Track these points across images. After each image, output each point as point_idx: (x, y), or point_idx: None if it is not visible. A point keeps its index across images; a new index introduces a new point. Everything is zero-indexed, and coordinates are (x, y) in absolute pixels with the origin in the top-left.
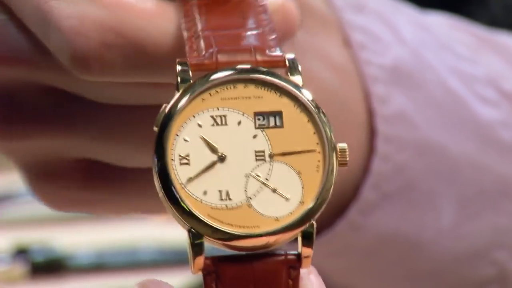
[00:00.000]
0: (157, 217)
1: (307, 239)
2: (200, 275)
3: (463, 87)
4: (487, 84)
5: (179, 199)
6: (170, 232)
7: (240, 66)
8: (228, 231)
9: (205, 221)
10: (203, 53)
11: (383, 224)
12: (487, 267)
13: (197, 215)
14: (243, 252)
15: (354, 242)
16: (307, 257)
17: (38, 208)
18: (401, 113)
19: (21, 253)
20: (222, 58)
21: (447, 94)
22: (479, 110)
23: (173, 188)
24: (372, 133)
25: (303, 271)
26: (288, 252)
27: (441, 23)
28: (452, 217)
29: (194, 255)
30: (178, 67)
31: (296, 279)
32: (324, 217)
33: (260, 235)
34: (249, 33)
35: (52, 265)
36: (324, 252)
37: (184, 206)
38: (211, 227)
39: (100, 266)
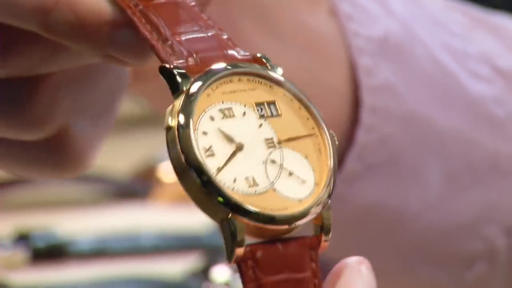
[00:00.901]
0: (159, 203)
1: (327, 222)
2: (202, 262)
3: (455, 63)
4: (480, 61)
5: (219, 189)
6: (172, 218)
7: (229, 63)
8: (270, 213)
9: (245, 207)
10: (185, 57)
11: (367, 195)
12: (475, 242)
13: (238, 202)
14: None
15: (337, 213)
16: (326, 240)
17: (40, 194)
18: (387, 85)
19: (22, 239)
20: (205, 61)
21: (438, 69)
22: (471, 86)
23: (209, 180)
24: (357, 104)
25: (351, 260)
26: (309, 235)
27: (435, 2)
28: (439, 190)
29: (236, 245)
30: (174, 71)
31: (317, 261)
32: None
33: (296, 217)
34: (209, 34)
35: (53, 251)
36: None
37: (225, 195)
38: (252, 212)
39: (101, 251)
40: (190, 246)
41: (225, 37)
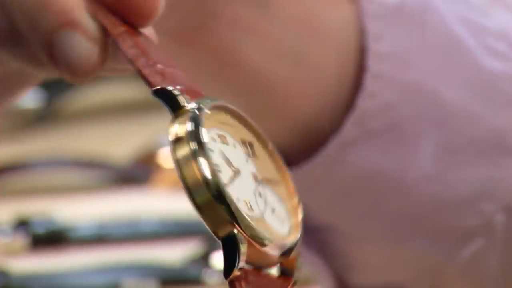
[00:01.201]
0: (159, 189)
1: (298, 272)
2: (202, 248)
3: (471, 37)
4: (498, 38)
5: (229, 199)
6: (172, 204)
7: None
8: (270, 236)
9: (250, 223)
10: (175, 84)
11: (363, 161)
12: (472, 218)
13: (245, 217)
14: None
15: (333, 177)
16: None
17: (40, 180)
18: (396, 52)
19: (22, 225)
20: (189, 92)
21: (451, 41)
22: (486, 62)
23: (221, 193)
24: (361, 70)
25: None
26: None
27: None
28: (438, 162)
29: (238, 261)
30: (174, 91)
31: None
32: (303, 148)
33: (290, 247)
34: (178, 70)
35: (53, 237)
36: (302, 184)
37: (233, 205)
38: (255, 229)
39: (101, 237)
40: (190, 232)
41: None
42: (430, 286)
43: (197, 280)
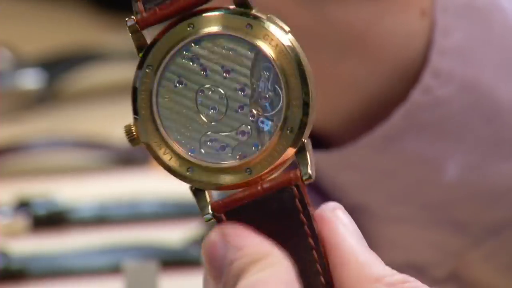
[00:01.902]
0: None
1: None
2: (202, 229)
3: None
4: None
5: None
6: (173, 185)
7: None
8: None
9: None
10: None
11: (407, 151)
12: (503, 209)
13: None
14: None
15: (374, 162)
16: None
17: (40, 161)
18: (460, 47)
19: (23, 206)
20: None
21: None
22: None
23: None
24: (424, 63)
25: (327, 208)
26: None
27: None
28: (480, 155)
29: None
30: None
31: None
32: (351, 127)
33: None
34: None
35: (54, 218)
36: (342, 164)
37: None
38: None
39: (102, 219)
40: (190, 213)
41: None
42: (451, 269)
43: (198, 261)
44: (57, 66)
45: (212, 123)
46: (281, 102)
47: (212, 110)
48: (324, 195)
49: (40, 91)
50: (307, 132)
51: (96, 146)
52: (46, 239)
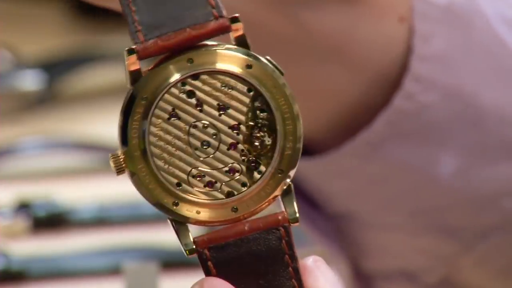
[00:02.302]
0: None
1: None
2: (203, 230)
3: None
4: None
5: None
6: None
7: None
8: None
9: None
10: None
11: (391, 157)
12: (492, 214)
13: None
14: None
15: (359, 168)
16: None
17: (41, 162)
18: (440, 55)
19: (23, 207)
20: None
21: (494, 43)
22: None
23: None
24: (404, 70)
25: (308, 261)
26: None
27: None
28: (466, 161)
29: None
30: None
31: None
32: (334, 135)
33: None
34: None
35: (54, 220)
36: (327, 171)
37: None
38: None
39: (102, 220)
40: None
41: None
42: (443, 275)
43: (198, 263)
44: (57, 67)
45: (203, 157)
46: (276, 144)
47: (203, 146)
48: (311, 203)
49: (40, 93)
50: (293, 174)
51: (96, 148)
52: (46, 240)
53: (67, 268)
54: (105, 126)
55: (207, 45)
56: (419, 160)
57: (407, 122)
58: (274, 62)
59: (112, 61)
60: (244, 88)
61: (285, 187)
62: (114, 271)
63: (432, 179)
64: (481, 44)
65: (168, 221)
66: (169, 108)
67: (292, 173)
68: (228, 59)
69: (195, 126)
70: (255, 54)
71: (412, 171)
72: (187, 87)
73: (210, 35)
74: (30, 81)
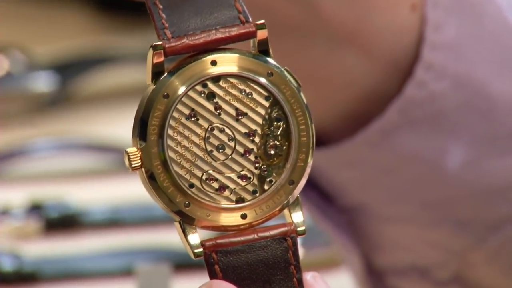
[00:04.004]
0: None
1: None
2: (215, 232)
3: None
4: None
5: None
6: None
7: None
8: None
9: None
10: None
11: (403, 146)
12: (503, 206)
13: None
14: None
15: (371, 158)
16: None
17: (53, 163)
18: (452, 43)
19: (35, 209)
20: None
21: (505, 32)
22: None
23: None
24: (416, 59)
25: (308, 274)
26: None
27: None
28: (476, 151)
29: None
30: None
31: None
32: (346, 128)
33: None
34: None
35: (66, 221)
36: (340, 161)
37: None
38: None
39: (114, 221)
40: None
41: None
42: (455, 271)
43: None
44: (70, 68)
45: (216, 162)
46: (289, 154)
47: (218, 150)
48: (323, 194)
49: (53, 94)
50: (303, 186)
51: (109, 149)
52: (58, 241)
53: (79, 269)
54: (117, 127)
55: (230, 49)
56: (429, 150)
57: (418, 110)
58: (292, 73)
59: (125, 62)
60: (263, 96)
61: (294, 199)
62: (126, 273)
63: (442, 170)
64: (492, 33)
65: (175, 224)
66: (189, 108)
67: (302, 184)
68: (250, 64)
69: (212, 129)
70: (276, 63)
71: (422, 162)
72: (208, 89)
73: (237, 39)
74: (43, 83)
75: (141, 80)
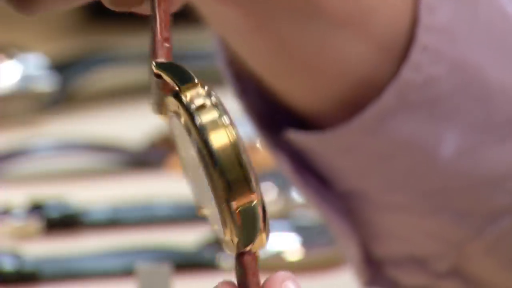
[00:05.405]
0: (173, 172)
1: None
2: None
3: None
4: None
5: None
6: (186, 187)
7: None
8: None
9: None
10: None
11: (400, 131)
12: (501, 196)
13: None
14: None
15: (368, 143)
16: None
17: (54, 163)
18: (446, 26)
19: (36, 209)
20: None
21: (502, 19)
22: None
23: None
24: (411, 41)
25: (276, 278)
26: None
27: None
28: (473, 139)
29: (257, 232)
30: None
31: None
32: (341, 113)
33: None
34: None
35: (67, 221)
36: (337, 147)
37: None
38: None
39: (115, 221)
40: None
41: None
42: (453, 263)
43: (212, 264)
44: (71, 68)
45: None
46: None
47: None
48: (322, 180)
49: (54, 94)
50: None
51: (110, 149)
52: (59, 241)
53: (80, 269)
54: (119, 127)
55: None
56: (425, 137)
57: (415, 94)
58: None
59: (127, 62)
60: None
61: None
62: (127, 273)
63: (438, 158)
64: (487, 19)
65: None
66: None
67: None
68: None
69: None
70: None
71: (418, 148)
72: None
73: None
74: (43, 82)
75: (142, 80)
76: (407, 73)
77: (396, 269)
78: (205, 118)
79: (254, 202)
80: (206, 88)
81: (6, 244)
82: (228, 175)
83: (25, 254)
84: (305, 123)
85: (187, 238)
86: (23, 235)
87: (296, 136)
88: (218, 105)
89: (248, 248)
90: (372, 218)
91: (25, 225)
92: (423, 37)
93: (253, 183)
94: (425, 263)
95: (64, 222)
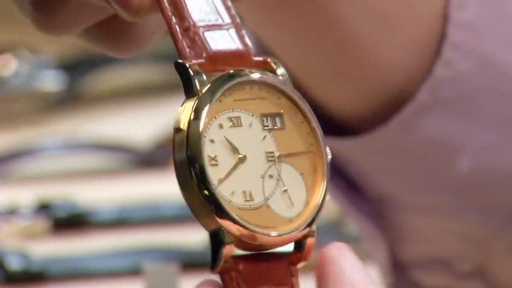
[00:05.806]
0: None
1: (310, 244)
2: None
3: None
4: None
5: (218, 202)
6: None
7: (242, 69)
8: (260, 231)
9: (238, 220)
10: (203, 54)
11: (433, 129)
12: None
13: (232, 215)
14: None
15: (402, 143)
16: (311, 249)
17: (61, 163)
18: (475, 22)
19: (43, 208)
20: (221, 61)
21: None
22: None
23: (210, 191)
24: (442, 38)
25: (331, 247)
26: (291, 251)
27: None
28: (500, 135)
29: (222, 256)
30: (190, 71)
31: (297, 276)
32: (379, 114)
33: (282, 235)
34: (229, 31)
35: (74, 221)
36: (371, 149)
37: (221, 206)
38: (244, 227)
39: (122, 221)
40: None
41: (243, 34)
42: (476, 263)
43: None
44: (78, 68)
45: None
46: None
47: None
48: (350, 184)
49: (60, 93)
50: None
51: (117, 149)
52: (66, 241)
53: (87, 268)
54: (126, 127)
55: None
56: (456, 133)
57: (447, 90)
58: None
59: (133, 61)
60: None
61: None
62: (134, 272)
63: (467, 154)
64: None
65: None
66: None
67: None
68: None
69: None
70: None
71: (450, 145)
72: None
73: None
74: (51, 82)
75: (149, 80)
76: (439, 69)
77: (419, 271)
78: (177, 137)
79: (218, 230)
80: (196, 103)
81: (14, 243)
82: (191, 209)
83: (32, 253)
84: (331, 130)
85: (194, 237)
86: (30, 235)
87: (331, 142)
88: (193, 131)
89: (218, 269)
90: (399, 221)
91: (32, 224)
92: (453, 34)
93: (217, 213)
94: (448, 264)
95: (71, 221)
